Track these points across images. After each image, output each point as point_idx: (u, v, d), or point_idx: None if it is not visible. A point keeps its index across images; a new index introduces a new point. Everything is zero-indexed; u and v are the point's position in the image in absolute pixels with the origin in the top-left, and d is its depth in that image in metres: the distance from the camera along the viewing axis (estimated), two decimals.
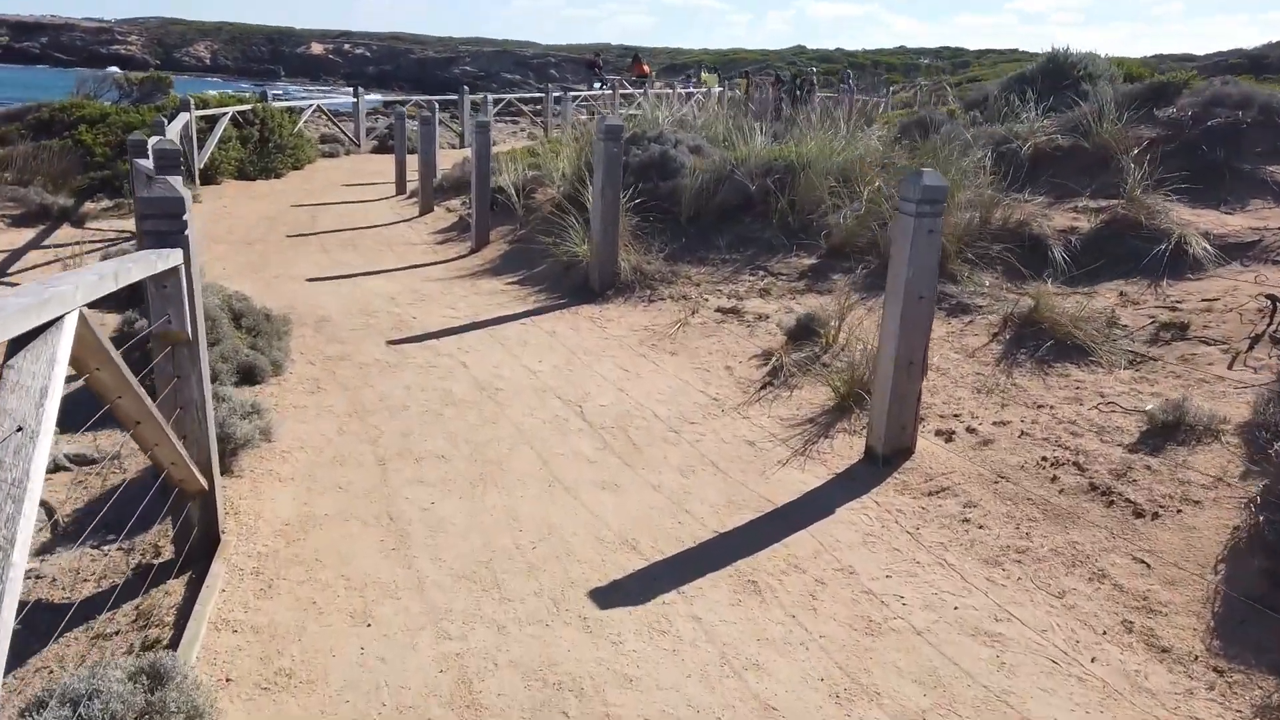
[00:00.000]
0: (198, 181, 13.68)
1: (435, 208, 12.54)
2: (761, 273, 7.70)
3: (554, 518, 4.15)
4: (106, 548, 4.09)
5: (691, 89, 26.97)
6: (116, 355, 2.62)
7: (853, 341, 5.91)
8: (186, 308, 3.56)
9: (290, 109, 17.16)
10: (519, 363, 6.31)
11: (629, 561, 3.77)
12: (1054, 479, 4.13)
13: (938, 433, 4.71)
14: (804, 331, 6.14)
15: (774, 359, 5.91)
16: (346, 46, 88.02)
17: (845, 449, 4.77)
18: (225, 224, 11.68)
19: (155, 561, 3.93)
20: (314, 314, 7.49)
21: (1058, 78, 9.92)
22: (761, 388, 5.67)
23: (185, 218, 3.50)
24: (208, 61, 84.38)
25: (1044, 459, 4.29)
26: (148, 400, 2.94)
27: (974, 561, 3.69)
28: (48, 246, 10.24)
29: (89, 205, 12.21)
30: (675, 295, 7.56)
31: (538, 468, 4.68)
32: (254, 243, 10.66)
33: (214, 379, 5.28)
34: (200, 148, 13.93)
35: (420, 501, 4.30)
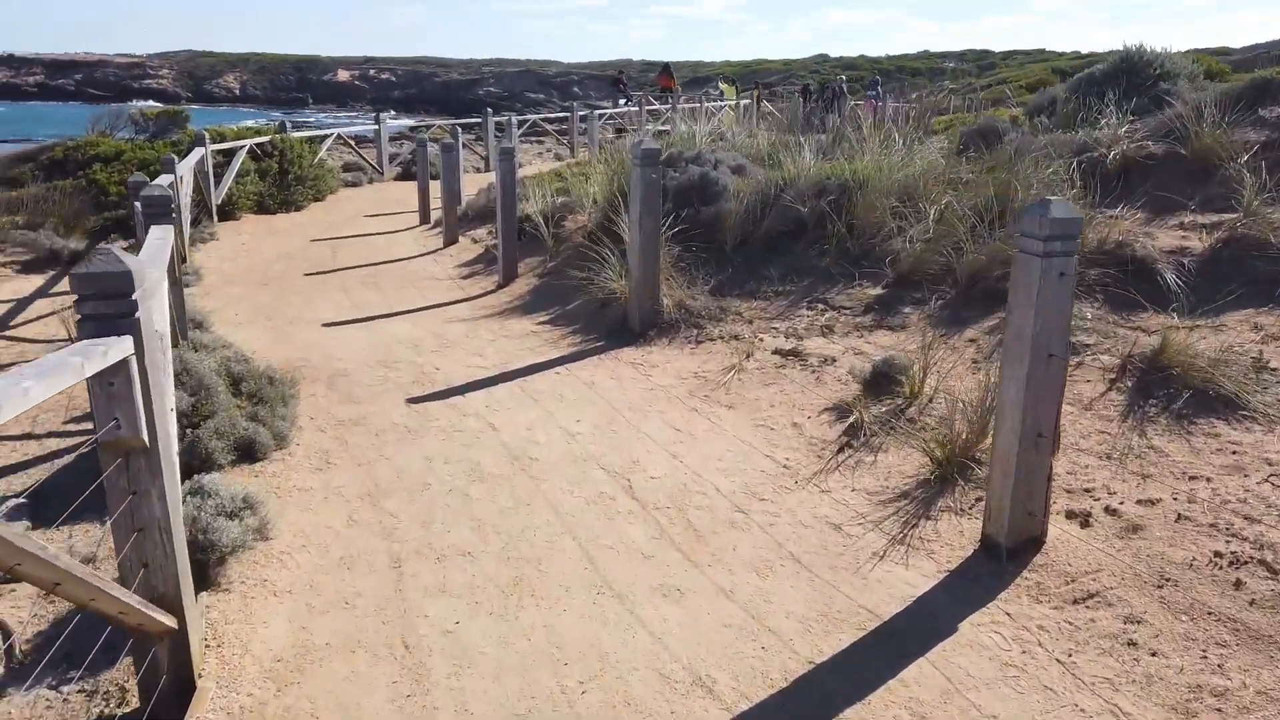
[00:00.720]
0: (215, 218, 13.09)
1: (460, 238, 11.83)
2: (821, 306, 6.85)
3: (606, 643, 3.33)
4: (66, 688, 3.34)
5: (722, 102, 26.21)
6: None
7: (941, 391, 5.04)
8: (140, 408, 2.80)
9: (310, 139, 16.61)
10: (554, 422, 5.51)
11: (705, 713, 2.94)
12: (1237, 584, 3.24)
13: (1069, 515, 3.84)
14: (882, 379, 5.29)
15: (852, 415, 5.06)
16: (372, 72, 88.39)
17: (954, 535, 3.91)
18: (242, 263, 11.05)
19: (118, 713, 3.17)
20: (329, 366, 6.76)
21: (1132, 77, 8.99)
22: (839, 450, 4.82)
23: (135, 296, 2.74)
24: (237, 92, 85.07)
25: (1217, 554, 3.40)
26: (60, 560, 2.17)
27: (1158, 709, 2.81)
28: (56, 294, 9.65)
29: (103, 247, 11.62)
30: (725, 335, 6.73)
31: (583, 567, 3.87)
32: (270, 283, 10.00)
33: (206, 460, 4.55)
34: (217, 183, 13.36)
35: (443, 620, 3.50)
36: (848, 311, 6.65)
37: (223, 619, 3.53)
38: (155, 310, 3.91)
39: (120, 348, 2.68)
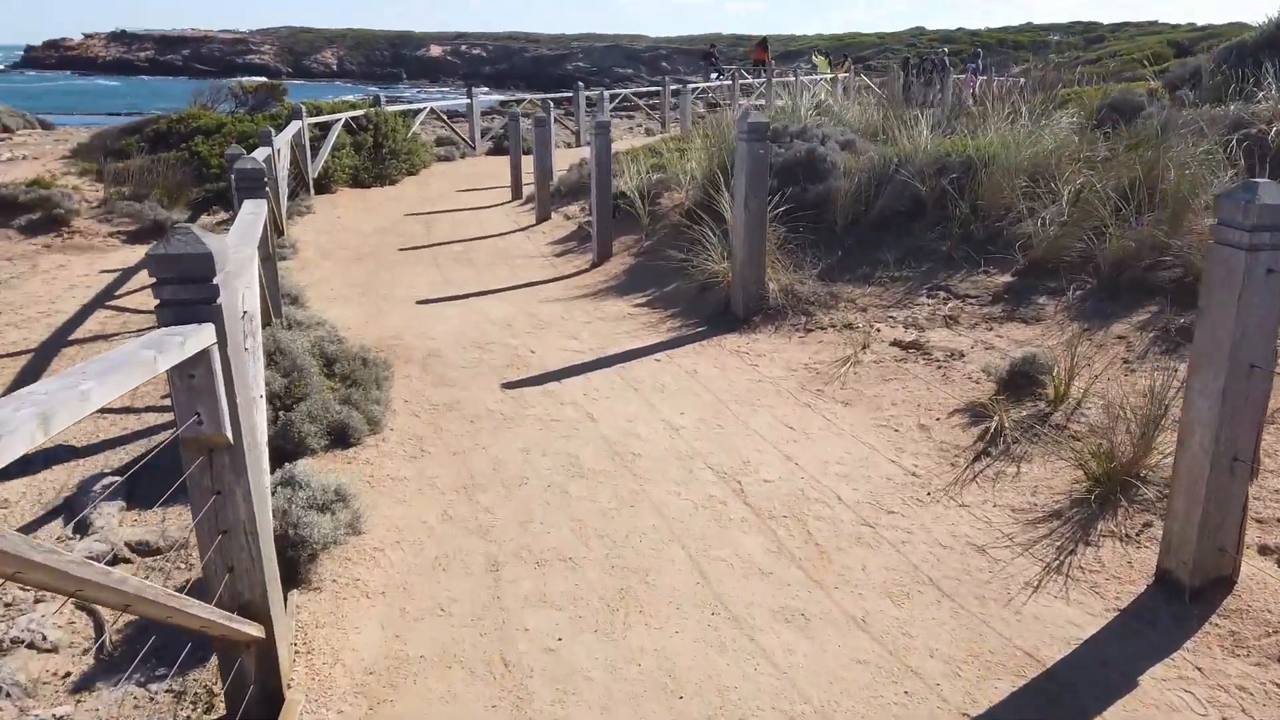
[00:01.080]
0: (312, 191, 13.11)
1: (552, 214, 11.55)
2: (943, 294, 6.32)
3: (724, 675, 2.97)
4: (155, 686, 3.15)
5: (816, 76, 25.34)
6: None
7: (1092, 395, 4.50)
8: (223, 402, 2.54)
9: (404, 113, 16.56)
10: (657, 415, 5.15)
11: None
12: None
13: (1263, 550, 3.30)
14: (1022, 379, 4.76)
15: (989, 419, 4.56)
16: (464, 47, 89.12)
17: (1121, 567, 3.41)
18: (338, 236, 10.99)
19: (205, 719, 2.97)
20: (422, 346, 6.54)
21: None
22: (975, 459, 4.34)
23: (216, 280, 2.46)
24: (334, 67, 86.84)
25: None
26: (128, 583, 1.91)
27: None
28: None
29: (204, 219, 11.75)
30: (837, 323, 6.27)
31: (694, 582, 3.51)
32: (364, 257, 9.89)
33: (299, 445, 4.34)
34: (313, 156, 13.37)
35: (544, 636, 3.19)
36: (973, 301, 6.10)
37: (313, 621, 3.30)
38: (243, 291, 3.68)
39: (200, 337, 2.42)
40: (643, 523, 3.97)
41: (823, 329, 6.27)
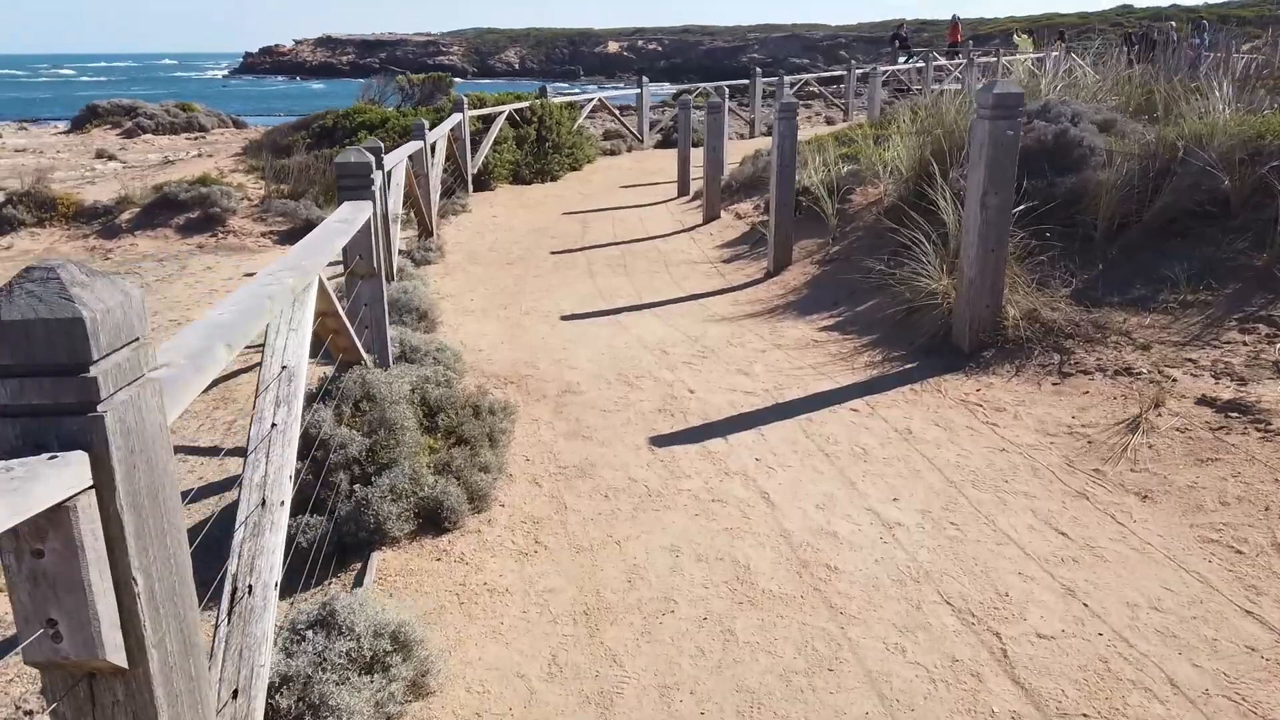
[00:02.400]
0: (470, 188, 12.32)
1: (722, 213, 10.15)
2: (1265, 328, 4.45)
3: None
4: None
5: (1017, 55, 22.61)
6: None
7: None
8: (99, 602, 1.31)
9: (570, 104, 15.62)
10: (860, 501, 3.67)
11: None
12: None
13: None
14: None
15: None
16: (640, 42, 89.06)
17: None
18: (489, 237, 10.06)
19: None
20: (559, 377, 5.33)
21: None
22: None
23: (96, 371, 1.24)
24: (516, 66, 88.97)
25: None
26: None
27: None
28: None
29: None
30: (1108, 366, 4.54)
31: None
32: (514, 262, 8.86)
33: (376, 530, 3.22)
34: (474, 151, 12.58)
35: None
36: None
37: None
38: (282, 337, 2.50)
39: (52, 480, 1.21)
40: (851, 707, 2.52)
41: (1086, 373, 4.56)
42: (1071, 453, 3.93)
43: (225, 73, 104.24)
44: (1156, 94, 6.47)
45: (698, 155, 12.19)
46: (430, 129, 10.86)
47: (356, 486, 3.45)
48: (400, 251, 9.38)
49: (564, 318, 6.78)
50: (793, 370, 5.27)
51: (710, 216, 10.05)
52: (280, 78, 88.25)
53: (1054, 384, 4.57)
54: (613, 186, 13.35)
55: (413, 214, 9.62)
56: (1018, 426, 4.23)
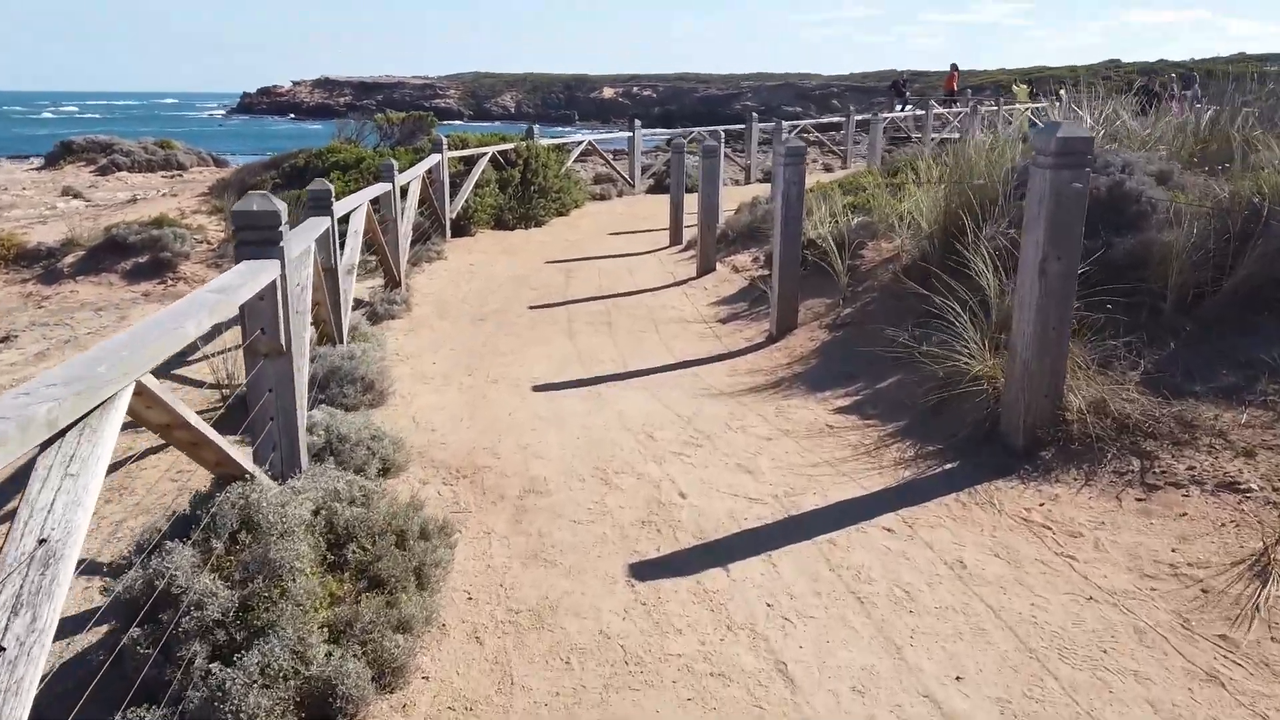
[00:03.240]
0: (448, 233, 11.42)
1: (718, 265, 9.25)
2: None
3: None
4: None
5: (1015, 105, 22.06)
6: None
7: None
8: None
9: (559, 147, 14.80)
10: (910, 680, 2.68)
11: None
12: None
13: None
14: None
15: None
16: (635, 89, 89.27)
17: None
18: (463, 287, 9.12)
19: None
20: (522, 471, 4.35)
21: None
22: None
23: None
24: (512, 110, 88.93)
25: None
26: None
27: None
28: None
29: None
30: (1203, 476, 3.58)
31: None
32: (487, 317, 7.92)
33: None
34: (454, 194, 11.70)
35: None
36: None
37: None
38: (53, 504, 1.53)
39: None
40: None
41: (1178, 486, 3.60)
42: (1184, 606, 2.95)
43: (224, 112, 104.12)
44: (1231, 140, 5.58)
45: (691, 201, 11.34)
46: (405, 169, 9.99)
47: (215, 666, 2.44)
48: (361, 303, 8.44)
49: (536, 388, 5.82)
50: (806, 468, 4.29)
51: (705, 269, 9.14)
52: (278, 117, 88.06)
53: (1138, 499, 3.60)
54: (601, 233, 12.47)
55: (380, 262, 8.69)
56: (1104, 562, 3.25)
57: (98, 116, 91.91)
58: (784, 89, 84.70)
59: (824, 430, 4.78)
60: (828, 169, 18.68)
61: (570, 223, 13.42)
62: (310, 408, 4.30)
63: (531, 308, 8.24)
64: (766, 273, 8.26)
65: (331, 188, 6.01)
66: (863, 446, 4.51)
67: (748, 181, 17.88)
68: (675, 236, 11.10)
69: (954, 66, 24.93)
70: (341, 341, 6.03)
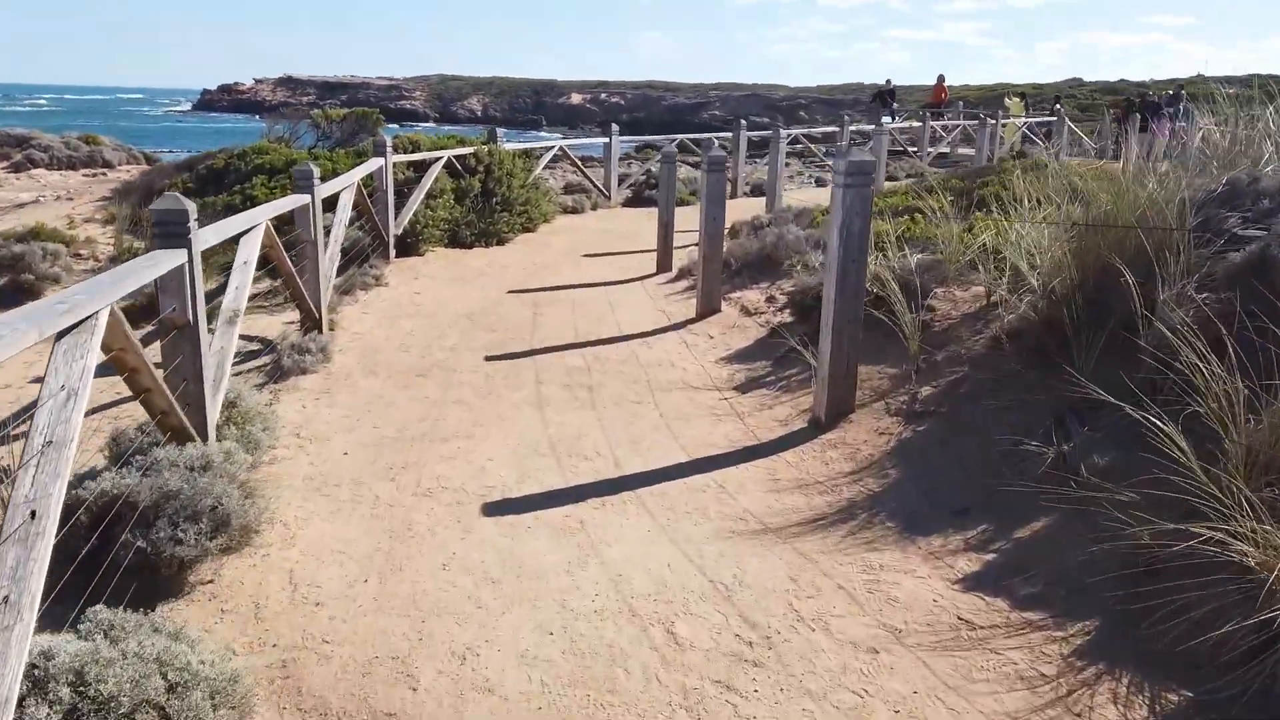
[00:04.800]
0: (392, 253, 9.37)
1: (723, 304, 7.32)
2: None
3: None
4: None
5: (1006, 120, 20.58)
6: None
7: None
8: None
9: (526, 152, 12.79)
10: None
11: None
12: None
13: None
14: None
15: None
16: (603, 96, 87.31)
17: None
18: (404, 328, 7.09)
19: None
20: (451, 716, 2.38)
21: None
22: None
23: None
24: (479, 114, 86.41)
25: None
26: None
27: None
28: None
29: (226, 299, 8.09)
30: None
31: None
32: (429, 373, 5.92)
33: None
34: (399, 208, 9.64)
35: None
36: None
37: None
38: None
39: None
40: None
41: None
42: None
43: (187, 108, 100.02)
44: None
45: (681, 219, 9.43)
46: (333, 177, 7.94)
47: None
48: (263, 348, 6.39)
49: (489, 508, 3.85)
50: (917, 701, 2.37)
51: (707, 309, 7.20)
52: (238, 115, 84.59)
53: None
54: (574, 254, 10.48)
55: (291, 297, 6.64)
56: None
57: (61, 110, 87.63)
58: (751, 99, 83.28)
59: (958, 632, 2.86)
60: (820, 183, 16.87)
61: (538, 240, 11.40)
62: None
63: (489, 358, 6.25)
64: (791, 319, 6.37)
65: (190, 207, 3.97)
66: (1042, 682, 2.59)
67: (733, 196, 16.00)
68: (664, 262, 9.15)
69: (941, 78, 23.34)
70: (204, 437, 4.00)
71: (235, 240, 5.20)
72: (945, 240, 5.58)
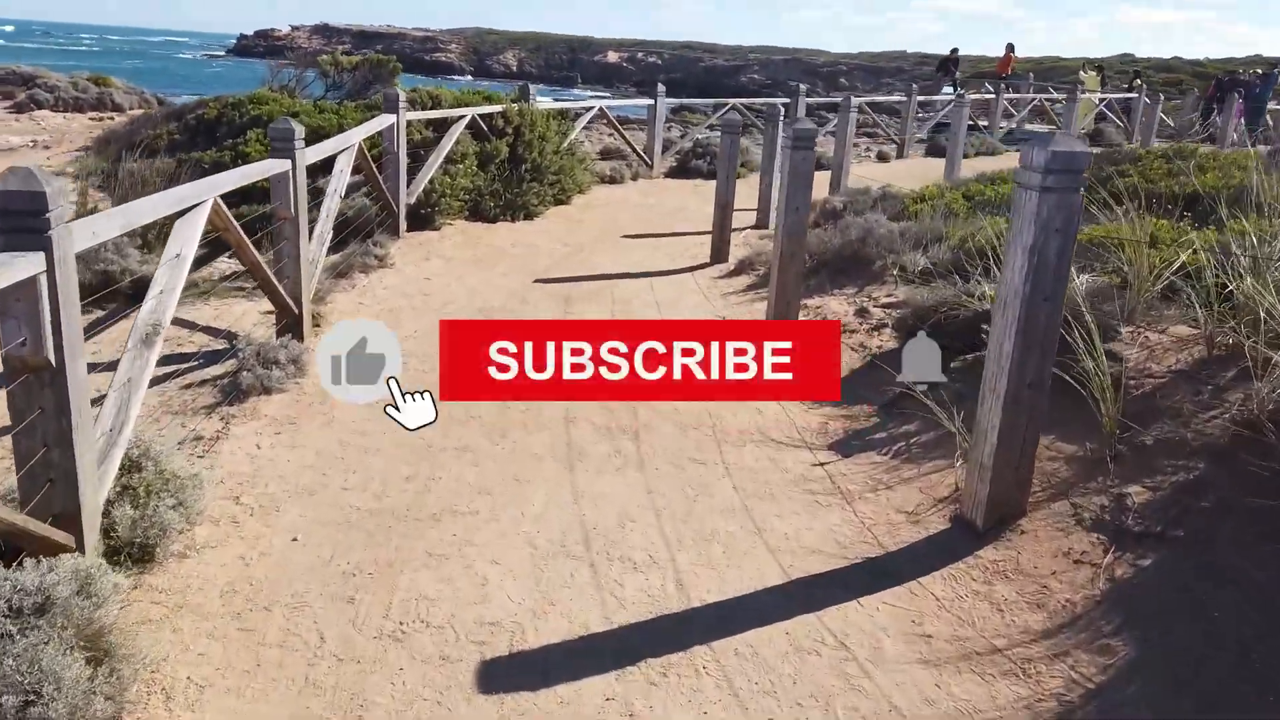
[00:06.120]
0: (402, 227, 7.91)
1: (800, 316, 5.80)
2: None
3: None
4: None
5: (1082, 94, 18.64)
6: None
7: None
8: None
9: (561, 113, 11.20)
10: None
11: None
12: None
13: None
14: None
15: None
16: (640, 55, 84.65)
17: None
18: (405, 328, 5.66)
19: None
20: None
21: None
22: None
23: None
24: (514, 69, 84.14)
25: None
26: None
27: None
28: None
29: (205, 270, 6.70)
30: None
31: None
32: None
33: None
34: (414, 174, 8.16)
35: None
36: None
37: None
38: None
39: None
40: None
41: None
42: None
43: (223, 53, 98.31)
44: None
45: (740, 195, 7.89)
46: (330, 136, 6.49)
47: None
48: (228, 348, 4.99)
49: (489, 671, 2.44)
50: None
51: (781, 318, 5.68)
52: (274, 61, 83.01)
53: None
54: (613, 234, 8.96)
55: (261, 286, 5.22)
56: None
57: (89, 49, 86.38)
58: (791, 64, 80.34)
59: None
60: (883, 158, 15.13)
61: (572, 215, 9.87)
62: None
63: None
64: (895, 345, 4.86)
65: (46, 190, 2.53)
66: None
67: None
68: (720, 251, 7.63)
69: (1010, 46, 21.30)
70: (77, 537, 2.60)
71: (161, 228, 3.79)
72: (1133, 257, 4.02)
